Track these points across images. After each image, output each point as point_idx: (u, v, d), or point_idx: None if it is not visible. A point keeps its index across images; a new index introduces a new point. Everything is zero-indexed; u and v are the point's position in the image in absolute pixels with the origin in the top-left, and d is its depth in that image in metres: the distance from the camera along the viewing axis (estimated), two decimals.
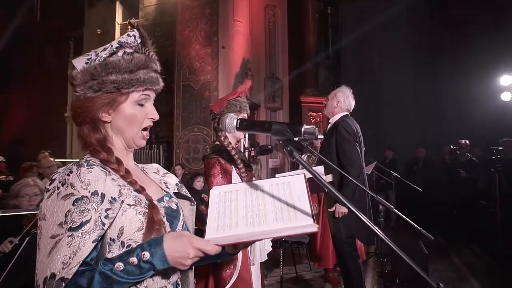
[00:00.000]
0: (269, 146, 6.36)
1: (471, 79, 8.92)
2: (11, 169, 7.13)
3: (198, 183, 4.97)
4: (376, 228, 0.96)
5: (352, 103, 3.34)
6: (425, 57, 10.45)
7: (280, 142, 0.96)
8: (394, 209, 1.90)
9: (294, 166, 8.38)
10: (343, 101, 3.29)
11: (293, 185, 1.22)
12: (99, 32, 9.93)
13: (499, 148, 5.63)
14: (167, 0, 8.92)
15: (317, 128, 0.95)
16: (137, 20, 9.81)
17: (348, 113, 3.32)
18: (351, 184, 2.80)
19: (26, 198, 2.53)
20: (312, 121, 9.34)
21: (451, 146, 7.31)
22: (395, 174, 4.55)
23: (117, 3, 10.01)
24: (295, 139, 0.95)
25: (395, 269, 4.23)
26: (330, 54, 11.23)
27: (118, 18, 9.95)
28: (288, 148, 0.94)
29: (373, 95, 10.52)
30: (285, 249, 4.72)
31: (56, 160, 5.31)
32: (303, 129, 0.94)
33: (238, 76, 7.17)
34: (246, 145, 4.45)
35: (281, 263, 3.48)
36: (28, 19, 10.41)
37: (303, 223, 1.04)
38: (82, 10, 10.33)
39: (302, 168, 3.92)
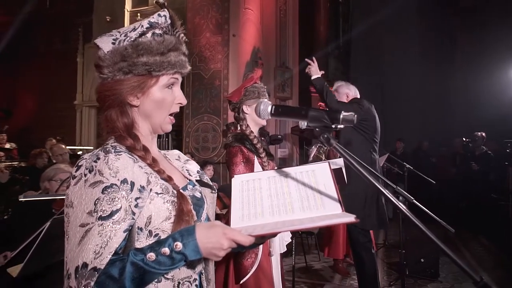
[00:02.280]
0: (279, 136, 6.35)
1: (484, 70, 8.78)
2: (22, 156, 7.19)
3: (208, 172, 4.97)
4: (417, 219, 0.94)
5: (356, 90, 3.32)
6: (435, 47, 10.29)
7: (317, 129, 0.93)
8: (414, 200, 1.88)
9: (303, 157, 8.37)
10: (349, 91, 3.28)
11: (318, 173, 1.19)
12: (108, 19, 9.87)
13: None
14: None
15: (356, 115, 0.93)
16: (146, 7, 9.77)
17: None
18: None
19: (58, 183, 2.56)
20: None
21: (464, 139, 7.23)
22: (408, 165, 4.51)
23: None
24: (332, 126, 0.93)
25: (405, 260, 4.23)
26: (340, 44, 11.09)
27: (128, 5, 9.87)
28: (325, 136, 0.92)
29: (381, 85, 10.41)
30: (295, 239, 4.74)
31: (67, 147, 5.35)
32: (341, 116, 0.91)
33: (248, 65, 7.11)
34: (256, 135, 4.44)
35: (293, 253, 3.49)
36: (37, 5, 10.38)
37: (332, 212, 1.02)
38: None
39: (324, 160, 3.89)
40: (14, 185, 4.43)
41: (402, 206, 0.90)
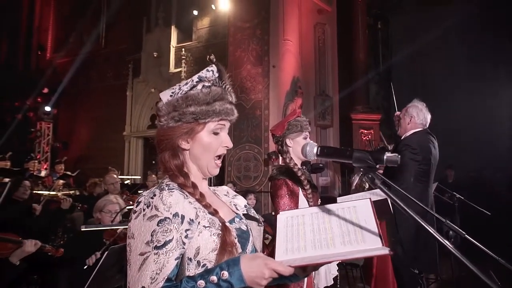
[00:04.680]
0: (320, 165, 6.28)
1: None
2: (77, 184, 7.68)
3: (250, 201, 5.01)
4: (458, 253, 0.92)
5: (428, 117, 3.03)
6: (482, 68, 9.84)
7: (361, 169, 0.97)
8: (466, 235, 1.80)
9: (345, 185, 8.20)
10: (416, 115, 2.99)
11: (359, 209, 1.22)
12: (155, 55, 10.56)
13: None
14: (219, 22, 9.32)
15: (399, 156, 0.95)
16: (190, 42, 10.35)
17: (422, 128, 3.04)
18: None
19: (108, 214, 2.78)
20: (363, 138, 9.11)
21: None
22: (458, 195, 4.28)
23: (172, 27, 10.62)
24: (376, 166, 0.96)
25: None
26: (380, 70, 10.98)
27: (173, 41, 10.53)
28: (370, 176, 0.95)
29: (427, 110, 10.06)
30: (340, 271, 4.58)
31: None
32: (385, 157, 0.94)
33: (288, 94, 7.23)
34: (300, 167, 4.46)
35: (338, 286, 3.39)
36: (94, 46, 11.36)
37: (372, 246, 1.03)
38: (141, 35, 11.08)
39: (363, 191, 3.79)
40: (71, 213, 4.74)
41: (447, 243, 0.90)
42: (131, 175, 9.84)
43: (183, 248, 0.99)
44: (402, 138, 3.08)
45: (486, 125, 9.44)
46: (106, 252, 1.81)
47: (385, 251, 0.94)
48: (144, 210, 1.00)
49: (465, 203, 4.14)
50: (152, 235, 0.96)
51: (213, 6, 8.75)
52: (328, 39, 8.75)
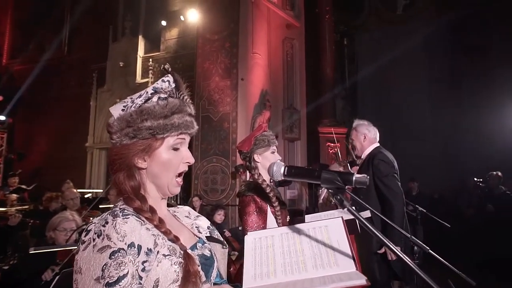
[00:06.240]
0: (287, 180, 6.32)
1: (493, 108, 8.76)
2: (32, 199, 7.23)
3: (219, 216, 4.91)
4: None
5: (376, 131, 3.19)
6: (443, 86, 10.36)
7: (330, 190, 0.93)
8: (430, 251, 1.82)
9: (312, 198, 8.26)
10: (368, 132, 3.14)
11: (331, 229, 1.18)
12: (121, 65, 10.31)
13: None
14: (188, 33, 9.26)
15: (368, 177, 0.92)
16: (157, 53, 10.20)
17: (377, 143, 3.17)
18: (396, 221, 2.69)
19: (63, 233, 2.57)
20: (330, 151, 9.26)
21: (475, 179, 7.08)
22: (420, 208, 4.39)
23: (140, 37, 10.44)
24: (345, 188, 0.92)
25: None
26: (347, 85, 11.30)
27: (140, 51, 10.34)
28: (338, 197, 0.91)
29: (391, 125, 10.40)
30: None
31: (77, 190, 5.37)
32: (354, 178, 0.91)
33: (256, 107, 7.24)
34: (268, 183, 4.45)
35: None
36: (56, 54, 10.92)
37: (345, 270, 1.00)
38: (106, 43, 10.80)
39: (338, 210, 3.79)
40: (24, 230, 4.42)
41: (409, 261, 0.88)
42: (93, 189, 9.42)
43: (140, 283, 0.87)
44: (368, 153, 3.14)
45: (448, 138, 9.89)
46: (56, 278, 1.67)
47: (362, 281, 0.90)
48: (94, 240, 0.87)
49: (427, 215, 4.25)
50: (103, 270, 0.84)
51: (182, 17, 8.69)
52: (296, 54, 8.90)
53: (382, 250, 2.85)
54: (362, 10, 11.81)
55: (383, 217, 1.69)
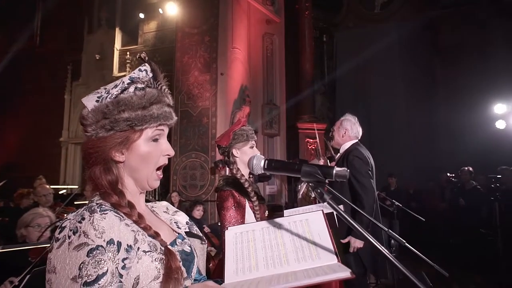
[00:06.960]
0: (267, 173, 6.33)
1: (465, 106, 9.05)
2: (3, 195, 6.95)
3: (198, 212, 4.87)
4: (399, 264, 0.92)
5: (359, 130, 3.25)
6: (418, 84, 10.63)
7: (310, 184, 0.93)
8: (406, 243, 1.86)
9: (291, 193, 8.32)
10: (350, 129, 3.20)
11: (311, 222, 1.19)
12: (97, 57, 10.03)
13: (498, 176, 5.65)
14: (167, 27, 9.11)
15: (348, 170, 0.92)
16: (135, 46, 9.98)
17: (357, 140, 3.24)
18: (363, 216, 2.74)
19: (37, 229, 2.45)
20: (309, 147, 9.35)
21: (448, 174, 7.32)
22: (397, 203, 4.50)
23: (117, 30, 10.19)
24: (326, 181, 0.92)
25: None
26: (325, 81, 11.42)
27: (117, 44, 10.09)
28: (318, 191, 0.91)
29: (367, 121, 10.59)
30: None
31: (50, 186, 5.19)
32: (334, 172, 0.91)
33: (236, 103, 7.20)
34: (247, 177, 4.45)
35: None
36: (27, 44, 10.50)
37: (327, 262, 1.01)
38: (81, 35, 10.48)
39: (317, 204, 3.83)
40: None
41: (387, 253, 0.89)
42: (68, 185, 9.16)
43: (121, 282, 0.83)
44: (345, 149, 3.19)
45: (423, 134, 10.17)
46: (27, 277, 1.60)
47: (346, 274, 0.91)
48: (69, 237, 0.82)
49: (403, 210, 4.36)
50: (80, 269, 0.79)
51: (160, 10, 8.53)
52: (276, 49, 8.91)
53: (346, 240, 2.89)
54: (340, 8, 11.94)
55: (362, 211, 1.72)
